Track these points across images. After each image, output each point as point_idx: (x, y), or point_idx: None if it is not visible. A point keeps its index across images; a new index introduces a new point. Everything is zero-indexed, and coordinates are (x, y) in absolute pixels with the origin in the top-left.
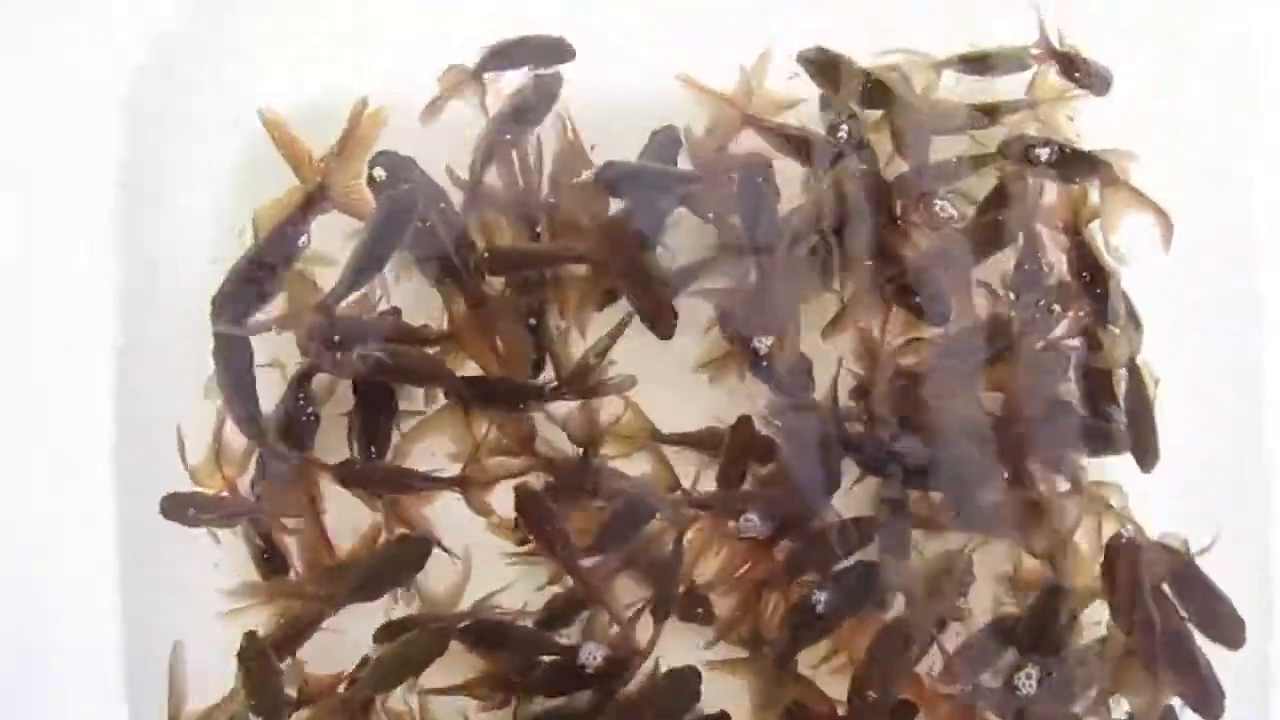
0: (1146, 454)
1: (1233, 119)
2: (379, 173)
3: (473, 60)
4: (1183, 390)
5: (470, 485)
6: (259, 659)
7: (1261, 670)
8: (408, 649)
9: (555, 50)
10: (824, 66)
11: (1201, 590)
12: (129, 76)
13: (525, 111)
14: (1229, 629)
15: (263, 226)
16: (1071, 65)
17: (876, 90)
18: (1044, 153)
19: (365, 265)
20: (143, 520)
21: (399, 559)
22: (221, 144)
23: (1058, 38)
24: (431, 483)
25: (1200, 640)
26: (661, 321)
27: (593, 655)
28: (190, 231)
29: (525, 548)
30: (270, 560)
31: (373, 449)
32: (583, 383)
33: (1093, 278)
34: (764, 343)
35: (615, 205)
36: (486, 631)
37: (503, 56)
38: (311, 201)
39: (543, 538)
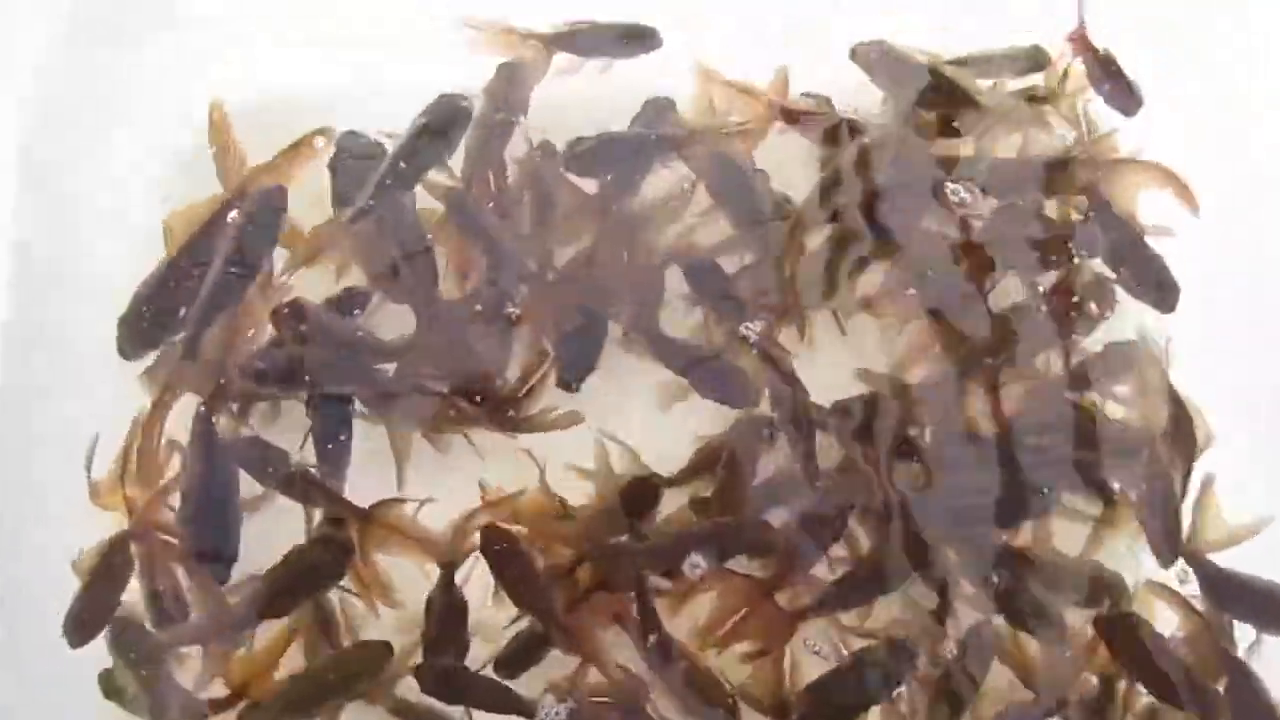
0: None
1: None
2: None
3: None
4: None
5: (371, 523)
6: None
7: None
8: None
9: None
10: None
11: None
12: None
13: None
14: None
15: (175, 232)
16: (1105, 67)
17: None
18: None
19: (396, 175)
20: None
21: (315, 563)
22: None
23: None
24: (330, 500)
25: None
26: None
27: (555, 712)
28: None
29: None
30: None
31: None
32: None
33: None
34: (752, 328)
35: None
36: (444, 676)
37: (573, 41)
38: (229, 209)
39: (509, 582)
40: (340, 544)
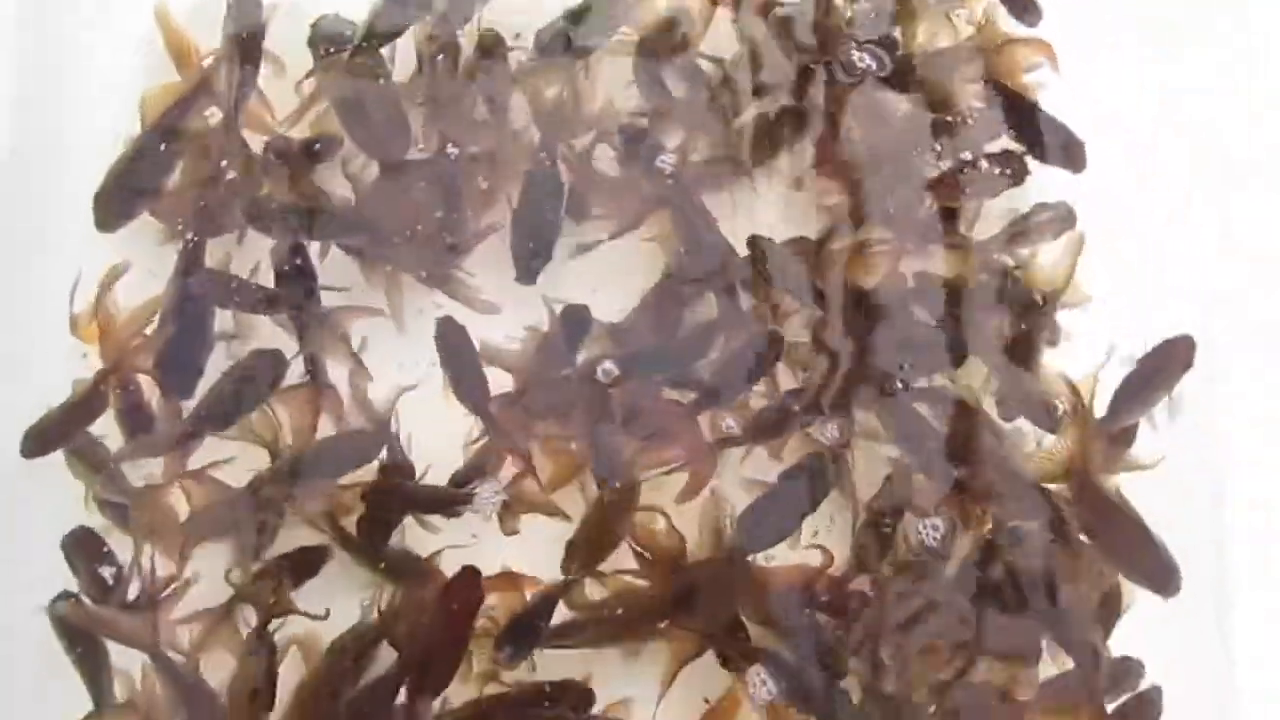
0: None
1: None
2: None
3: None
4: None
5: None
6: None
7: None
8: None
9: None
10: None
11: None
12: None
13: None
14: None
15: (149, 109)
16: None
17: None
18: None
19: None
20: None
21: (252, 372)
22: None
23: None
24: (281, 301)
25: None
26: None
27: (489, 501)
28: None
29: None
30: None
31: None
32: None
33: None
34: (667, 161)
35: None
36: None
37: None
38: (195, 93)
39: (458, 378)
40: (275, 355)
